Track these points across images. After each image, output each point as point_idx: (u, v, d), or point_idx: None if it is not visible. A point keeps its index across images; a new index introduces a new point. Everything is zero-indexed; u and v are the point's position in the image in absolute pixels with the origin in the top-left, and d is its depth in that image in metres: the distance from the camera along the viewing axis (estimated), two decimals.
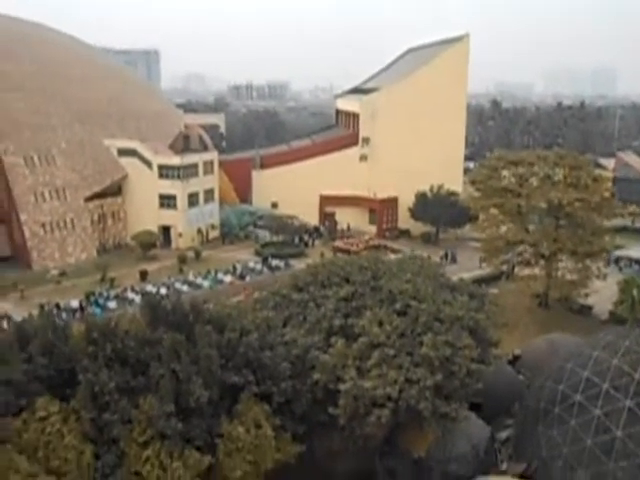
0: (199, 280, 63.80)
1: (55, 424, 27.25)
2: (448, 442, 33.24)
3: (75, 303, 56.17)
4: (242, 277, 66.06)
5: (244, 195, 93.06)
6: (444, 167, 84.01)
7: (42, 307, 53.00)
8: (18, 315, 51.53)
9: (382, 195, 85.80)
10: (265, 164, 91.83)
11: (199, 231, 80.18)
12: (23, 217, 69.17)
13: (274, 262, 70.24)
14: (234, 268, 67.89)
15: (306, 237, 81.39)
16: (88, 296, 58.24)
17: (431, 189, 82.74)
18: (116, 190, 79.23)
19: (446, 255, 74.15)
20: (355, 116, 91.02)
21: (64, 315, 51.69)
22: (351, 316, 35.09)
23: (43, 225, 70.14)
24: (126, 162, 78.35)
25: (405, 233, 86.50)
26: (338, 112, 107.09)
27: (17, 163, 69.94)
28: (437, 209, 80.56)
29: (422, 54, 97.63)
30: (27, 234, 69.05)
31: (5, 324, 49.98)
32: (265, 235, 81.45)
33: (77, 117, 77.15)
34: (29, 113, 72.65)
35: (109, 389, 28.00)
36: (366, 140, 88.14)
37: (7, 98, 71.51)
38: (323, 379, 31.99)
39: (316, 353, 32.89)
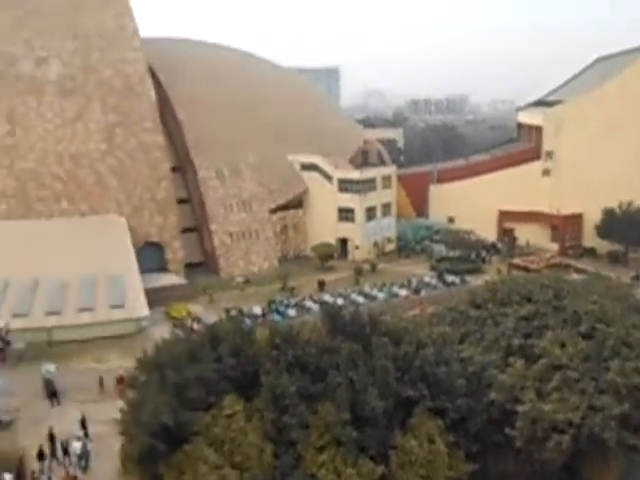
0: (374, 292, 64.72)
1: (240, 422, 28.91)
2: (637, 477, 31.10)
3: (257, 309, 59.18)
4: (417, 291, 66.08)
5: (421, 209, 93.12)
6: (634, 182, 78.64)
7: (228, 311, 56.58)
8: (207, 317, 55.51)
9: (566, 211, 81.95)
10: (442, 178, 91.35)
11: (375, 244, 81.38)
12: (213, 227, 74.43)
13: (450, 277, 69.52)
14: (409, 282, 68.10)
15: (483, 253, 79.71)
16: (270, 303, 61.20)
17: (620, 205, 77.78)
18: (297, 203, 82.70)
19: (637, 276, 69.21)
20: (538, 129, 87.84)
21: (247, 320, 54.65)
22: (531, 336, 34.00)
23: (231, 235, 75.02)
24: (308, 176, 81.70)
25: (590, 252, 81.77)
26: (519, 125, 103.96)
27: (210, 176, 75.60)
28: (626, 227, 75.49)
29: (613, 63, 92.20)
30: (216, 243, 74.23)
31: (196, 325, 53.90)
32: (441, 250, 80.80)
33: (264, 133, 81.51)
34: (223, 131, 78.16)
35: (289, 393, 29.26)
36: (550, 154, 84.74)
37: (206, 117, 77.52)
38: (500, 399, 31.26)
39: (493, 372, 32.24)
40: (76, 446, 34.25)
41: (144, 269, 62.59)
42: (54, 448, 34.73)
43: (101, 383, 43.78)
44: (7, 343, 49.75)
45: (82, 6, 74.14)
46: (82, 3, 74.41)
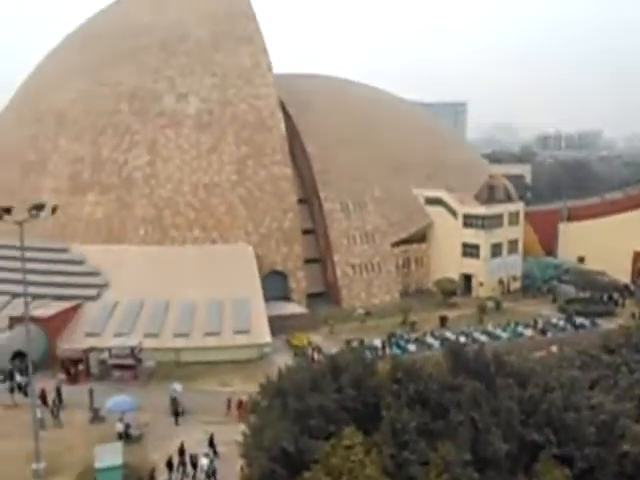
0: (498, 331, 63.04)
1: (359, 454, 28.79)
2: None
3: (378, 342, 59.06)
4: (543, 332, 63.71)
5: (549, 247, 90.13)
6: None
7: (348, 343, 56.84)
8: (327, 348, 56.08)
9: None
10: (573, 216, 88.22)
11: (500, 281, 79.47)
12: (336, 258, 75.49)
13: (579, 320, 66.56)
14: (535, 322, 65.78)
15: (615, 295, 75.72)
16: (390, 337, 60.96)
17: None
18: (420, 237, 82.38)
19: None
20: None
21: (367, 352, 54.55)
22: None
23: (353, 266, 75.77)
24: (432, 210, 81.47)
25: None
26: None
27: (334, 209, 77.05)
28: None
29: None
30: (339, 273, 75.16)
31: (316, 355, 54.52)
32: (570, 290, 77.53)
33: (389, 167, 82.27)
34: (348, 164, 79.65)
35: (409, 429, 28.87)
36: None
37: (333, 150, 79.52)
38: (634, 451, 29.33)
39: (627, 422, 30.38)
40: (204, 462, 35.78)
41: (268, 297, 64.21)
42: (184, 461, 36.43)
43: (229, 405, 45.02)
44: (139, 361, 52.51)
45: (221, 46, 78.51)
46: (221, 43, 78.80)
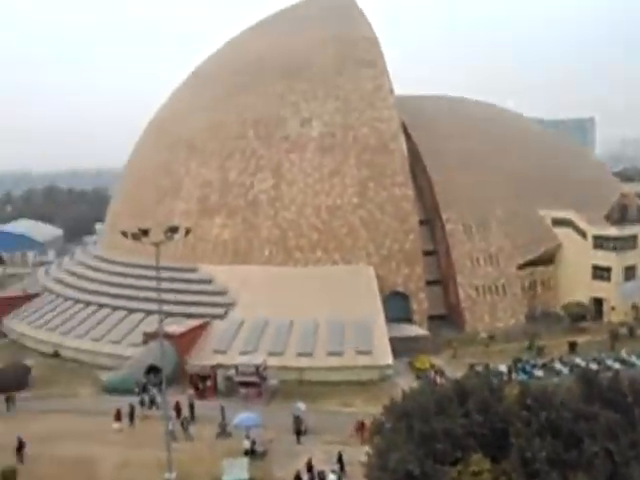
0: (633, 359, 59.58)
1: None
2: None
3: (503, 367, 57.35)
4: None
5: None
6: None
7: (472, 367, 55.58)
8: (449, 371, 55.24)
9: None
10: None
11: (634, 306, 75.10)
12: (459, 279, 74.25)
13: None
14: None
15: None
16: (515, 362, 59.04)
17: None
18: (548, 259, 79.52)
19: None
20: None
21: (492, 378, 53.05)
22: None
23: (476, 288, 74.20)
24: (560, 231, 78.58)
25: None
26: None
27: (457, 230, 76.00)
28: None
29: None
30: (462, 295, 73.82)
31: (438, 379, 53.68)
32: None
33: (513, 187, 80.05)
34: (470, 184, 78.24)
35: (540, 458, 27.84)
36: None
37: (454, 171, 78.65)
38: None
39: None
40: (332, 478, 36.18)
41: (389, 318, 64.02)
42: (312, 478, 37.16)
43: (358, 427, 44.49)
44: (264, 379, 53.75)
45: (343, 70, 79.90)
46: (343, 68, 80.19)
